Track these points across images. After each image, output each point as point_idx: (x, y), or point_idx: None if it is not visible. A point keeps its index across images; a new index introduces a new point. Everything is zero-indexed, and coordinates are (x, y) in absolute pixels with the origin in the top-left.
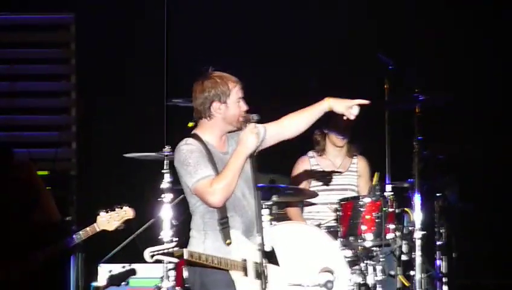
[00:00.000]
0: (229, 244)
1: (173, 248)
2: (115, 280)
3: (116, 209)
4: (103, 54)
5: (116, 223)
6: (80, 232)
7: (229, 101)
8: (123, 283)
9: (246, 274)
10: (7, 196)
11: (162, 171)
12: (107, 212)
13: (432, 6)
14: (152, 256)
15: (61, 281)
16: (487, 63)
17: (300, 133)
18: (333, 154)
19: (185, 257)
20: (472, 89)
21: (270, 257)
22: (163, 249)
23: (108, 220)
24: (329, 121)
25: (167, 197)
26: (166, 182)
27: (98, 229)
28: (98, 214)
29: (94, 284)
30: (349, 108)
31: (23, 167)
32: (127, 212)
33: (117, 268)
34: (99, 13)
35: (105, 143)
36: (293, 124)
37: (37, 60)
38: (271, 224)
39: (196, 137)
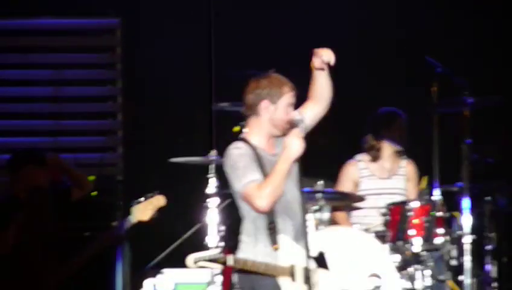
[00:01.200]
0: (276, 249)
1: (218, 253)
2: None
3: (148, 198)
4: (149, 58)
5: (150, 212)
6: (130, 217)
7: (279, 104)
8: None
9: (293, 279)
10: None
11: (208, 175)
12: (139, 203)
13: (480, 7)
14: (195, 262)
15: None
16: None
17: (328, 99)
18: (385, 158)
19: (229, 263)
20: None
21: (319, 261)
22: (208, 255)
23: (143, 210)
24: (388, 125)
25: (213, 202)
26: (212, 187)
27: (133, 221)
28: (132, 206)
29: None
30: (320, 61)
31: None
32: (159, 200)
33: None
34: (146, 17)
35: (151, 148)
36: (317, 96)
37: (82, 65)
38: (317, 229)
39: (245, 141)
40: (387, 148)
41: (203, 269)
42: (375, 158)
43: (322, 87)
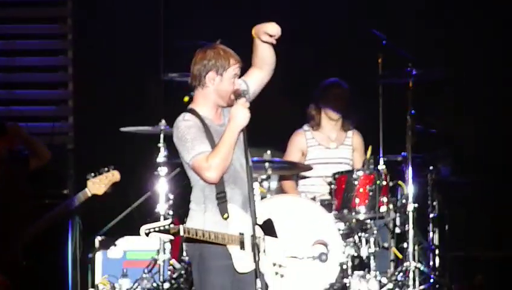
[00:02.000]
0: (226, 218)
1: (168, 224)
2: None
3: (104, 173)
4: (100, 28)
5: (104, 187)
6: (80, 194)
7: (225, 76)
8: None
9: (243, 247)
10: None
11: (158, 145)
12: (95, 176)
13: None
14: (147, 233)
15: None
16: (482, 37)
17: (272, 65)
18: (328, 128)
19: (181, 233)
20: (465, 63)
21: (268, 229)
22: (159, 226)
23: (99, 184)
24: (326, 95)
25: (163, 171)
26: (162, 156)
27: (89, 194)
28: (88, 179)
29: (90, 256)
30: (264, 32)
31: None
32: (114, 175)
33: None
34: None
35: (102, 117)
36: (260, 63)
37: (34, 35)
38: (265, 197)
39: (193, 112)
40: (326, 118)
41: (155, 236)
42: (315, 127)
43: (265, 55)
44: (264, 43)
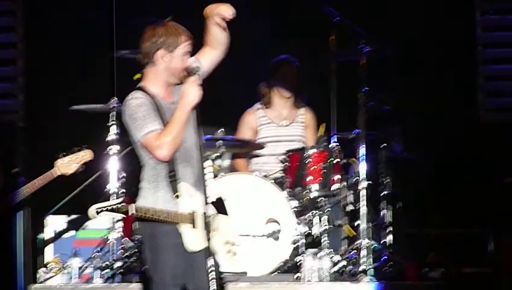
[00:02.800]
0: (177, 197)
1: (119, 203)
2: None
3: (75, 152)
4: (50, 4)
5: (76, 165)
6: (23, 188)
7: (176, 53)
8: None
9: (194, 226)
10: None
11: (109, 123)
12: (65, 155)
13: None
14: (98, 213)
15: (7, 234)
16: (432, 13)
17: (225, 44)
18: (280, 105)
19: (131, 212)
20: (416, 40)
21: (219, 207)
22: (109, 205)
23: (68, 163)
24: (276, 72)
25: (114, 149)
26: (112, 134)
27: (57, 173)
28: (56, 159)
29: (41, 236)
30: (217, 14)
31: None
32: (86, 154)
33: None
34: None
35: (52, 95)
36: (213, 42)
37: None
38: (217, 176)
39: (143, 90)
40: (277, 95)
41: (105, 215)
42: (267, 105)
43: (218, 36)
44: (218, 25)
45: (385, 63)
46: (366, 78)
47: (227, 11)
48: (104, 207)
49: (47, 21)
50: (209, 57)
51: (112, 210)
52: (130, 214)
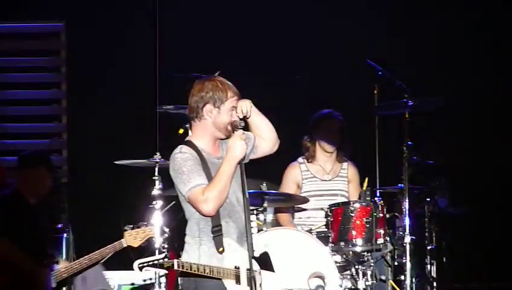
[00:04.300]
0: (221, 252)
1: (163, 258)
2: None
3: (142, 226)
4: (94, 61)
5: (141, 240)
6: (116, 243)
7: (223, 108)
8: None
9: (238, 282)
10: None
11: (153, 177)
12: (132, 228)
13: (422, 10)
14: (141, 268)
15: None
16: (477, 68)
17: (272, 139)
18: (323, 160)
19: (175, 267)
20: (462, 94)
21: (264, 262)
22: (153, 260)
23: (135, 237)
24: (318, 127)
25: (158, 203)
26: (157, 189)
27: (124, 245)
28: (125, 230)
29: None
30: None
31: None
32: (151, 230)
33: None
34: (90, 21)
35: (96, 150)
36: (261, 137)
37: (27, 68)
38: (260, 230)
39: (190, 144)
40: (321, 150)
41: (148, 270)
42: (310, 159)
43: (259, 129)
44: (251, 119)
45: (428, 116)
46: (409, 131)
47: (243, 108)
48: (148, 262)
49: (90, 76)
50: (260, 147)
51: (156, 265)
52: (174, 269)
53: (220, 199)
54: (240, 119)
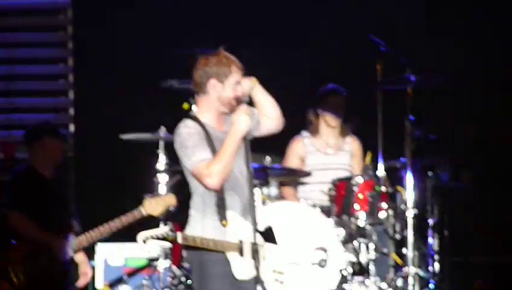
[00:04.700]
0: (224, 225)
1: (167, 231)
2: None
3: (162, 195)
4: (100, 37)
5: (161, 208)
6: (104, 226)
7: (227, 83)
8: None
9: (241, 254)
10: None
11: (158, 152)
12: (152, 197)
13: None
14: (145, 240)
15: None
16: (479, 43)
17: (277, 118)
18: (326, 134)
19: (179, 241)
20: (464, 69)
21: (267, 236)
22: (156, 233)
23: (155, 205)
24: (323, 100)
25: (162, 178)
26: (161, 163)
27: (144, 214)
28: (144, 198)
29: (91, 263)
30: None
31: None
32: (171, 199)
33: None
34: None
35: (102, 125)
36: (265, 115)
37: (34, 44)
38: (264, 204)
39: (195, 118)
40: (324, 124)
41: (153, 243)
42: (313, 133)
43: (263, 108)
44: (255, 94)
45: (432, 92)
46: (412, 107)
47: (245, 87)
48: (152, 235)
49: (96, 51)
50: (265, 125)
51: (160, 238)
52: (177, 242)
53: (224, 173)
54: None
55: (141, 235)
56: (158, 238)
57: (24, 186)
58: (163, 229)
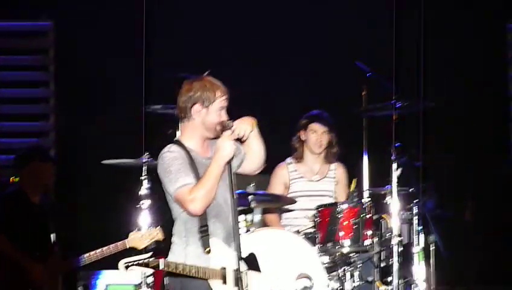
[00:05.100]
0: (208, 252)
1: (149, 257)
2: None
3: (148, 228)
4: (82, 60)
5: (147, 241)
6: (85, 256)
7: (211, 108)
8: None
9: (224, 282)
10: None
11: (141, 177)
12: (138, 230)
13: (409, 13)
14: (127, 267)
15: None
16: (464, 70)
17: (259, 165)
18: (311, 160)
19: (161, 267)
20: (450, 96)
21: (251, 263)
22: (138, 260)
23: (140, 239)
24: (307, 127)
25: (145, 203)
26: (144, 189)
27: (127, 246)
28: (129, 232)
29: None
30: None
31: None
32: (158, 234)
33: None
34: (78, 20)
35: (84, 149)
36: (250, 158)
37: (16, 67)
38: (248, 231)
39: (179, 144)
40: (308, 150)
41: (135, 270)
42: (298, 159)
43: (250, 151)
44: (250, 137)
45: (417, 119)
46: (398, 133)
47: (241, 128)
48: (134, 262)
49: (78, 74)
50: (247, 164)
51: (142, 265)
52: (160, 269)
53: (207, 198)
54: (236, 139)
55: (123, 262)
56: (140, 265)
57: (8, 208)
58: (145, 256)
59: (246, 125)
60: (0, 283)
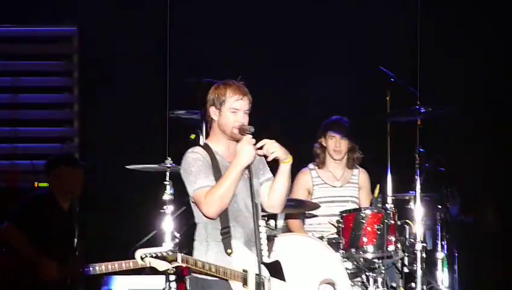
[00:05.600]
0: (229, 254)
1: (166, 251)
2: None
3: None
4: (106, 66)
5: (167, 265)
6: (96, 267)
7: (223, 109)
8: None
9: (245, 285)
10: None
11: (164, 182)
12: (161, 253)
13: (435, 19)
14: (142, 258)
15: None
16: (490, 75)
17: (279, 208)
18: (333, 166)
19: (179, 261)
20: (474, 101)
21: (275, 270)
22: (156, 252)
23: (160, 262)
24: (326, 133)
25: (169, 208)
26: (167, 194)
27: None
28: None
29: None
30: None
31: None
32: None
33: None
34: (102, 26)
35: (108, 154)
36: (271, 201)
37: (40, 72)
38: (271, 236)
39: (205, 146)
40: (329, 156)
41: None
42: (320, 165)
43: (274, 188)
44: (281, 173)
45: (442, 124)
46: (422, 139)
47: (267, 149)
48: (151, 253)
49: (102, 80)
50: (271, 190)
51: (158, 257)
52: (178, 262)
53: (222, 202)
54: (261, 155)
55: (140, 252)
56: (157, 257)
57: (37, 208)
58: (163, 248)
59: (279, 150)
60: (8, 281)
